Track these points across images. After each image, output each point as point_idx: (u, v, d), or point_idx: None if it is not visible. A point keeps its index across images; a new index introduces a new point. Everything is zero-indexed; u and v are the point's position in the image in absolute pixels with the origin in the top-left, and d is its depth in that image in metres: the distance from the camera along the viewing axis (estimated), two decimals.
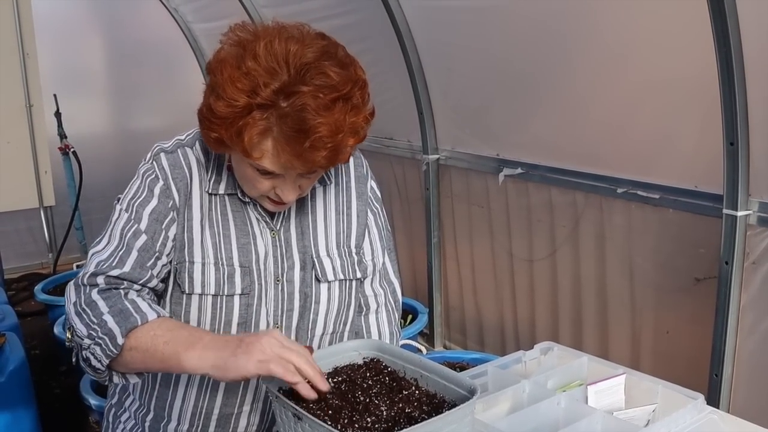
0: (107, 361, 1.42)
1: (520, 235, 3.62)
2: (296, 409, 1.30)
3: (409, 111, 4.09)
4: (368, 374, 1.50)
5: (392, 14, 3.80)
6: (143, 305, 1.47)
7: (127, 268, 1.51)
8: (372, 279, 1.82)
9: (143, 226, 1.55)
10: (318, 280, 1.66)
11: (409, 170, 4.40)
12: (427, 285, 4.37)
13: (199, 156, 1.61)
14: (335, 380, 1.48)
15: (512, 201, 3.62)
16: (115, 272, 1.50)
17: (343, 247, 1.72)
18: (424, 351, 3.46)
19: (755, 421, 1.62)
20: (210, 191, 1.60)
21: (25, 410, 2.68)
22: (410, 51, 3.87)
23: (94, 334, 1.42)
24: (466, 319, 4.20)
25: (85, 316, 1.46)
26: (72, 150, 5.51)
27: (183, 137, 1.65)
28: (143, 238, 1.54)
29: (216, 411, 1.65)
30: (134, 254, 1.53)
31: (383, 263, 1.84)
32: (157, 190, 1.57)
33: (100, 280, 1.50)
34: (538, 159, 3.39)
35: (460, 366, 3.42)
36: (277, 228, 1.65)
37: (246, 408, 1.66)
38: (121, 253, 1.53)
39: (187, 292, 1.58)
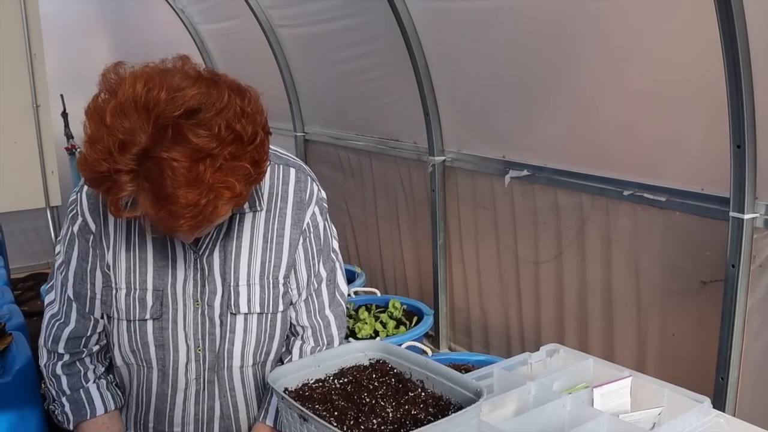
0: (62, 426, 1.70)
1: (526, 237, 3.61)
2: (302, 411, 1.30)
3: (415, 113, 4.08)
4: (374, 376, 1.50)
5: (399, 15, 3.80)
6: (96, 397, 1.69)
7: (72, 323, 1.66)
8: (298, 312, 1.74)
9: (71, 273, 1.64)
10: (232, 312, 1.63)
11: (415, 172, 4.40)
12: (432, 287, 4.36)
13: None
14: (341, 381, 1.49)
15: (518, 203, 3.62)
16: (66, 333, 1.66)
17: (268, 277, 1.65)
18: (429, 353, 3.46)
19: (761, 425, 1.62)
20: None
21: (31, 409, 2.68)
22: (417, 52, 3.87)
23: (57, 406, 1.69)
24: (472, 320, 4.19)
25: (52, 386, 1.70)
26: (79, 150, 5.52)
27: None
28: (74, 288, 1.64)
29: (150, 425, 1.74)
30: (73, 306, 1.66)
31: (320, 294, 1.75)
32: (76, 228, 1.63)
33: (61, 347, 1.68)
34: (544, 161, 3.39)
35: (465, 368, 3.41)
36: (200, 252, 1.61)
37: (177, 430, 1.72)
38: (65, 307, 1.66)
39: (111, 316, 1.63)
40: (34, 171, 5.48)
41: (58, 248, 1.68)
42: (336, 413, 1.36)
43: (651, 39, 2.68)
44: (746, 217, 2.47)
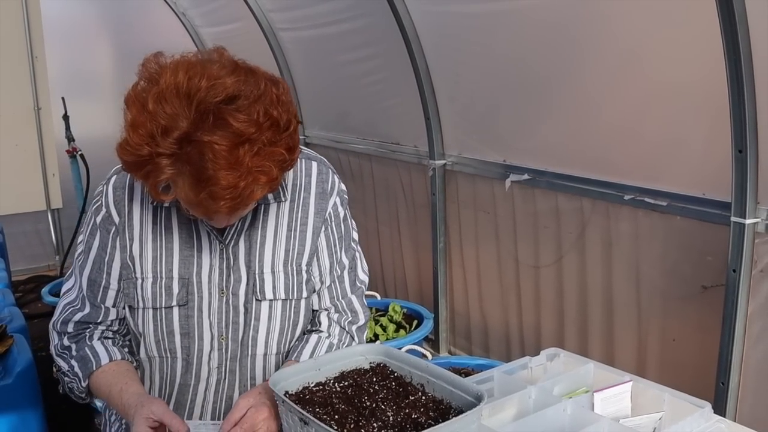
0: (82, 395, 1.73)
1: (527, 241, 3.61)
2: (303, 414, 1.30)
3: (416, 116, 4.09)
4: (375, 379, 1.50)
5: (400, 19, 3.80)
6: (100, 350, 1.70)
7: (86, 309, 1.70)
8: (322, 297, 1.79)
9: (89, 261, 1.69)
10: (257, 299, 1.67)
11: (416, 176, 4.40)
12: (432, 290, 4.36)
13: None
14: (342, 385, 1.49)
15: (519, 207, 3.62)
16: (77, 316, 1.71)
17: (292, 264, 1.70)
18: (430, 356, 3.46)
19: (762, 430, 1.62)
20: (156, 204, 1.64)
21: (32, 411, 2.69)
22: (418, 56, 3.87)
23: (69, 374, 1.71)
24: (472, 324, 4.19)
25: (63, 359, 1.73)
26: (80, 153, 5.53)
27: None
28: (90, 276, 1.69)
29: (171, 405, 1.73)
30: (89, 296, 1.70)
31: (342, 280, 1.80)
32: (99, 219, 1.68)
33: (70, 327, 1.72)
34: (545, 165, 3.39)
35: (465, 372, 3.41)
36: (226, 241, 1.66)
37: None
38: (80, 294, 1.71)
39: (135, 307, 1.66)
40: (35, 174, 5.50)
41: (80, 237, 1.74)
42: (336, 417, 1.36)
43: (652, 44, 2.68)
44: (748, 221, 2.47)
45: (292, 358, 1.73)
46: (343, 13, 4.31)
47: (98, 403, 3.17)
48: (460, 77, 3.80)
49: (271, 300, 1.68)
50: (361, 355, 1.58)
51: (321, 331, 1.79)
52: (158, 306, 1.65)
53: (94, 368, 1.67)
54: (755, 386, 2.56)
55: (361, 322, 1.85)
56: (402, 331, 3.95)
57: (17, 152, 5.39)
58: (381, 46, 4.22)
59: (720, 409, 2.58)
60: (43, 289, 4.67)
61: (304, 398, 1.43)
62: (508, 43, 3.36)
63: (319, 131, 5.25)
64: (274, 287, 1.68)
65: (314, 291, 1.77)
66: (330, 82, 4.85)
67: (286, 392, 1.44)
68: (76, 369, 1.69)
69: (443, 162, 4.07)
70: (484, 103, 3.71)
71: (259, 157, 1.39)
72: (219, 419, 1.70)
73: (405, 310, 4.18)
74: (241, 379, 1.71)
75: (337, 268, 1.79)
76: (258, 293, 1.67)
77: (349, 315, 1.82)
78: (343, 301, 1.81)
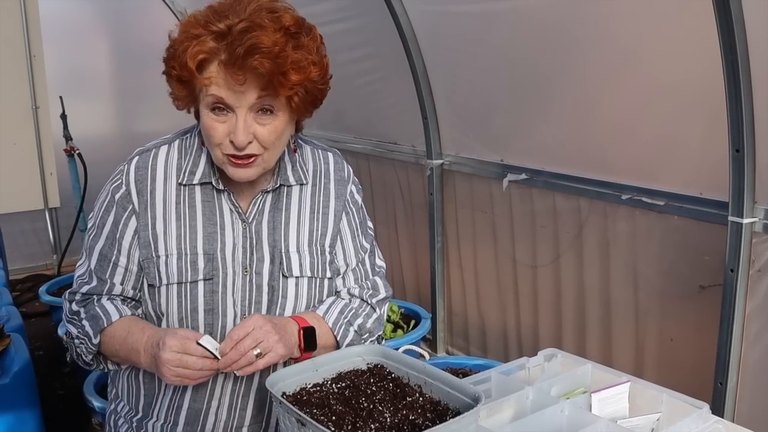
0: (90, 356, 1.71)
1: (524, 241, 3.61)
2: (300, 415, 1.30)
3: (414, 116, 4.09)
4: (372, 380, 1.50)
5: (397, 19, 3.80)
6: (110, 308, 1.70)
7: (93, 282, 1.72)
8: (346, 279, 1.85)
9: (102, 235, 1.71)
10: (284, 275, 1.71)
11: (413, 175, 4.40)
12: (430, 290, 4.36)
13: (173, 152, 1.72)
14: (339, 386, 1.49)
15: (516, 207, 3.62)
16: (84, 288, 1.73)
17: (316, 245, 1.76)
18: (427, 356, 3.46)
19: (760, 431, 1.61)
20: (185, 182, 1.69)
21: (29, 411, 2.68)
22: (415, 56, 3.87)
23: (80, 335, 1.70)
24: (469, 324, 4.19)
25: (72, 324, 1.74)
26: (77, 152, 5.52)
27: (169, 135, 1.77)
28: (101, 250, 1.71)
29: (186, 405, 1.70)
30: (96, 270, 1.72)
31: (364, 263, 1.87)
32: (118, 195, 1.70)
33: (78, 296, 1.74)
34: (543, 165, 3.39)
35: (463, 372, 3.41)
36: (249, 220, 1.71)
37: (214, 404, 1.70)
38: (89, 269, 1.73)
39: (156, 285, 1.67)
40: (33, 172, 5.49)
41: (91, 214, 1.77)
42: (334, 418, 1.36)
43: (650, 43, 2.68)
44: (745, 221, 2.47)
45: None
46: (340, 12, 4.31)
47: (97, 404, 3.17)
48: (457, 77, 3.80)
49: (297, 277, 1.72)
50: (358, 356, 1.58)
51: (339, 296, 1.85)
52: (183, 281, 1.66)
53: (105, 324, 1.67)
54: (753, 386, 2.57)
55: (382, 295, 1.89)
56: (400, 331, 3.95)
57: (15, 151, 5.37)
58: (378, 46, 4.21)
59: (718, 409, 2.58)
60: (40, 288, 4.66)
61: (302, 399, 1.43)
62: (505, 42, 3.36)
63: (316, 131, 5.24)
64: (300, 265, 1.73)
65: (338, 273, 1.82)
66: None
67: (284, 393, 1.44)
68: (87, 328, 1.68)
69: (440, 162, 4.07)
70: (481, 103, 3.71)
71: (297, 52, 1.51)
72: (239, 402, 1.70)
73: (402, 310, 4.18)
74: (261, 371, 1.67)
75: (360, 252, 1.86)
76: (285, 270, 1.70)
77: (370, 289, 1.87)
78: (368, 283, 1.87)
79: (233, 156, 1.58)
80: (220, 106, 1.54)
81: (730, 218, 2.51)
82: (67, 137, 5.59)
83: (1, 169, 5.28)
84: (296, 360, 1.64)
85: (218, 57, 1.49)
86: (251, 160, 1.59)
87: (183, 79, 1.55)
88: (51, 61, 5.54)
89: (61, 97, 5.57)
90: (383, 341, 1.93)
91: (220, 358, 1.49)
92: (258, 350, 1.50)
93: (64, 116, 5.59)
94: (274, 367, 1.66)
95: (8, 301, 3.60)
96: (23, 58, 5.27)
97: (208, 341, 1.50)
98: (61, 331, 3.89)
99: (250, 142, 1.56)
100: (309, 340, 1.64)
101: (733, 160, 2.45)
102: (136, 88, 6.43)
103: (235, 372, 1.52)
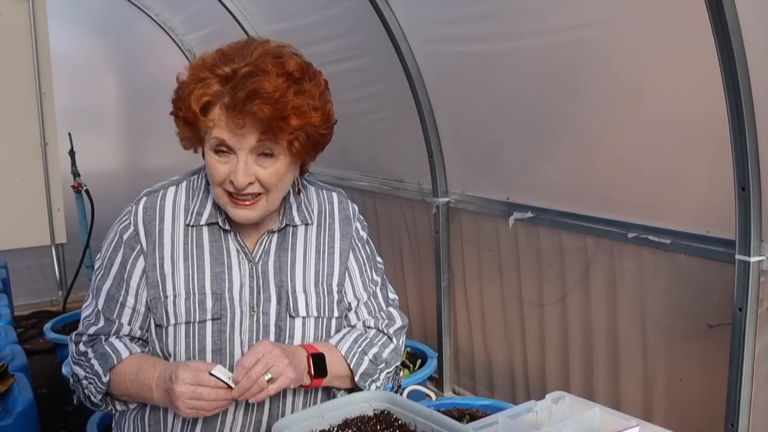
0: (99, 396, 1.68)
1: (530, 279, 3.60)
2: None
3: (420, 154, 4.10)
4: (379, 427, 1.49)
5: (403, 58, 3.83)
6: (119, 346, 1.69)
7: (101, 323, 1.72)
8: (359, 313, 1.85)
9: (110, 276, 1.72)
10: (291, 316, 1.71)
11: (419, 213, 4.40)
12: (436, 329, 4.34)
13: (181, 193, 1.74)
14: None
15: (522, 245, 3.61)
16: (91, 329, 1.73)
17: (322, 285, 1.77)
18: (433, 396, 3.43)
19: None
20: (192, 223, 1.70)
21: None
22: (421, 94, 3.90)
23: (88, 375, 1.68)
24: (476, 363, 4.16)
25: (80, 366, 1.72)
26: (85, 188, 5.55)
27: (177, 176, 1.79)
28: (109, 290, 1.71)
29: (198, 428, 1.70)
30: (104, 310, 1.72)
31: (377, 296, 1.88)
32: (126, 236, 1.72)
33: (85, 337, 1.74)
34: (548, 203, 3.39)
35: (469, 413, 3.37)
36: (256, 260, 1.72)
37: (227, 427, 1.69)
38: (96, 310, 1.73)
39: (163, 325, 1.68)
40: (41, 208, 5.50)
41: (98, 255, 1.78)
42: None
43: (653, 81, 2.70)
44: (752, 260, 2.46)
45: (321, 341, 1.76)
46: (347, 51, 4.35)
47: None
48: (462, 115, 3.82)
49: (304, 317, 1.72)
50: (364, 402, 1.57)
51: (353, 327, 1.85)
52: (192, 320, 1.66)
53: (115, 362, 1.66)
54: (765, 427, 2.53)
55: (398, 324, 1.91)
56: (406, 371, 3.91)
57: (23, 187, 5.40)
58: (384, 85, 4.24)
59: None
60: (45, 326, 4.65)
61: None
62: (509, 81, 3.38)
63: (322, 168, 5.26)
64: (306, 305, 1.73)
65: (347, 310, 1.83)
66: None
67: None
68: (96, 367, 1.67)
69: (447, 199, 4.08)
70: (486, 141, 3.72)
71: (298, 98, 1.53)
72: None
73: (408, 349, 4.14)
74: (272, 400, 1.69)
75: (371, 285, 1.87)
76: (291, 310, 1.71)
77: (386, 319, 1.88)
78: (381, 313, 1.88)
79: (234, 195, 1.60)
80: (223, 149, 1.57)
81: (738, 257, 2.50)
82: (75, 173, 5.63)
83: (9, 204, 5.30)
84: (307, 387, 1.65)
85: (221, 100, 1.53)
86: (252, 201, 1.61)
87: (189, 120, 1.58)
88: (60, 98, 5.59)
89: (69, 134, 5.62)
90: (401, 373, 1.92)
91: (233, 386, 1.49)
92: (269, 375, 1.51)
93: (72, 153, 5.64)
94: (284, 393, 1.67)
95: (13, 339, 3.59)
96: (33, 96, 5.32)
97: (220, 371, 1.51)
98: (65, 371, 3.87)
99: (251, 183, 1.58)
100: (318, 366, 1.65)
101: (739, 199, 2.45)
102: (144, 125, 6.49)
103: (248, 399, 1.52)
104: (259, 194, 1.61)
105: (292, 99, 1.52)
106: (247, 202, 1.61)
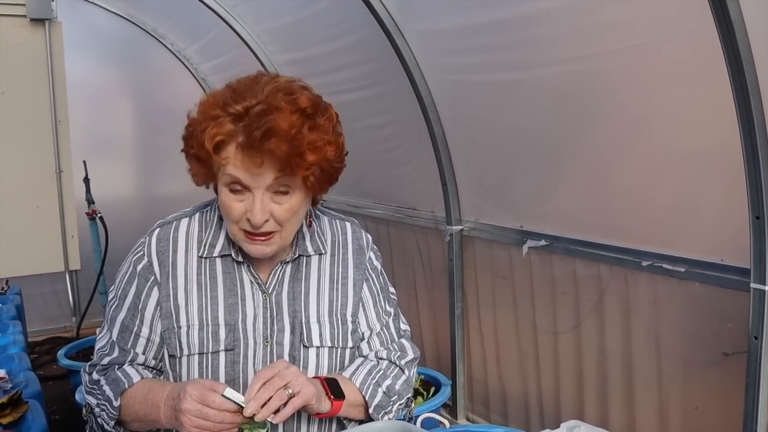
0: (112, 423, 1.67)
1: (544, 307, 3.59)
2: None
3: (433, 182, 4.12)
4: None
5: (417, 87, 3.87)
6: (131, 371, 1.69)
7: (115, 353, 1.73)
8: (372, 343, 1.84)
9: (124, 307, 1.72)
10: (305, 346, 1.70)
11: (433, 241, 4.41)
12: (450, 356, 4.32)
13: (194, 225, 1.75)
14: None
15: (536, 273, 3.61)
16: (105, 360, 1.73)
17: (336, 315, 1.76)
18: (447, 424, 3.40)
19: None
20: (205, 255, 1.70)
21: None
22: (434, 123, 3.92)
23: (101, 401, 1.68)
24: (490, 391, 4.14)
25: (92, 395, 1.72)
26: (99, 215, 5.59)
27: (189, 208, 1.80)
28: (123, 321, 1.72)
29: None
30: (118, 341, 1.73)
31: (389, 327, 1.87)
32: (139, 267, 1.72)
33: (99, 367, 1.74)
34: (562, 231, 3.39)
35: None
36: (269, 291, 1.71)
37: None
38: (111, 341, 1.74)
39: (177, 356, 1.67)
40: (55, 235, 5.54)
41: (112, 287, 1.79)
42: None
43: (665, 111, 2.71)
44: None
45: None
46: (362, 80, 4.39)
47: None
48: (475, 144, 3.84)
49: (318, 347, 1.71)
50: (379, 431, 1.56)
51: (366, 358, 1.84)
52: (205, 351, 1.66)
53: (126, 386, 1.66)
54: None
55: (410, 356, 1.89)
56: (420, 398, 3.90)
57: (38, 214, 5.44)
58: (397, 113, 4.28)
59: None
60: (59, 352, 4.67)
61: None
62: (521, 110, 3.40)
63: (336, 196, 5.29)
64: (320, 335, 1.72)
65: (361, 340, 1.82)
66: (347, 147, 4.89)
67: None
68: (108, 392, 1.67)
69: (460, 227, 4.08)
70: (500, 169, 3.74)
71: (312, 133, 1.53)
72: None
73: (422, 376, 4.14)
74: (286, 430, 1.70)
75: (384, 316, 1.86)
76: (305, 340, 1.70)
77: (398, 351, 1.87)
78: (393, 345, 1.88)
79: (250, 233, 1.60)
80: (238, 187, 1.56)
81: (753, 285, 2.48)
82: (90, 201, 5.68)
83: (24, 231, 5.35)
84: (324, 415, 1.64)
85: (236, 139, 1.52)
86: (267, 237, 1.61)
87: (201, 158, 1.58)
88: (75, 125, 5.64)
89: (84, 162, 5.68)
90: (413, 404, 1.92)
91: (245, 406, 1.47)
92: (290, 390, 1.50)
93: (87, 180, 5.69)
94: (298, 425, 1.68)
95: (27, 366, 3.59)
96: (49, 123, 5.38)
97: (232, 393, 1.48)
98: (78, 397, 3.88)
99: (266, 221, 1.58)
100: (335, 388, 1.64)
101: (753, 227, 2.44)
102: (158, 153, 6.54)
103: (269, 421, 1.49)
104: (274, 231, 1.61)
105: (307, 135, 1.52)
106: (263, 238, 1.61)
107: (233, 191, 1.58)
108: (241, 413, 1.47)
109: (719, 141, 2.53)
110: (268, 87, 1.54)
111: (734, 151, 2.41)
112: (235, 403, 1.47)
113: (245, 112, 1.51)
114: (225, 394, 1.48)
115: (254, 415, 1.46)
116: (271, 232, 1.61)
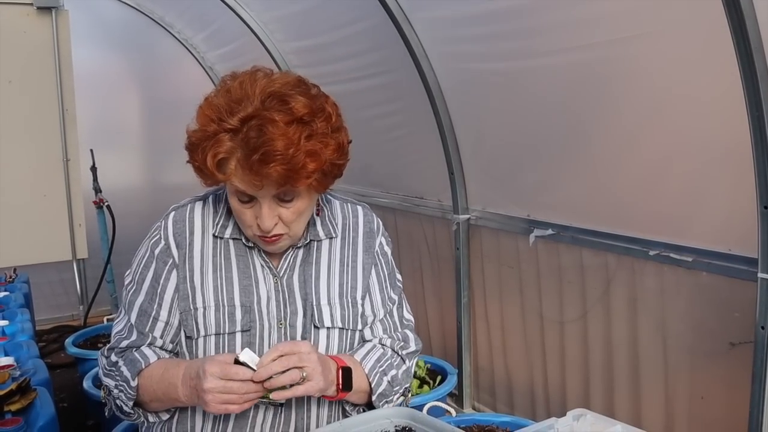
0: (131, 403, 1.69)
1: (551, 296, 3.59)
2: None
3: (440, 171, 4.11)
4: None
5: (424, 76, 3.85)
6: (148, 352, 1.72)
7: (133, 336, 1.75)
8: (374, 330, 1.86)
9: (143, 291, 1.74)
10: (316, 327, 1.73)
11: (440, 230, 4.40)
12: (456, 345, 4.33)
13: (208, 206, 1.78)
14: None
15: (543, 262, 3.60)
16: (123, 343, 1.75)
17: (346, 297, 1.79)
18: (453, 413, 3.41)
19: None
20: (217, 234, 1.73)
21: None
22: (442, 112, 3.91)
23: (118, 383, 1.71)
24: (496, 380, 4.15)
25: (110, 377, 1.74)
26: (106, 204, 5.60)
27: (202, 192, 1.83)
28: (141, 305, 1.74)
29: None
30: (137, 324, 1.75)
31: (392, 315, 1.90)
32: (157, 251, 1.74)
33: (117, 350, 1.77)
34: (569, 220, 3.38)
35: (489, 429, 3.36)
36: (281, 274, 1.74)
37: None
38: (129, 325, 1.76)
39: (194, 337, 1.70)
40: (62, 224, 5.55)
41: (128, 272, 1.81)
42: None
43: (674, 100, 2.69)
44: None
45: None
46: (369, 69, 4.38)
47: None
48: (483, 133, 3.83)
49: (329, 328, 1.74)
50: (386, 419, 1.57)
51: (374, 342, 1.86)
52: (222, 332, 1.69)
53: (143, 366, 1.68)
54: None
55: (412, 348, 1.91)
56: (426, 387, 3.91)
57: (45, 203, 5.46)
58: (405, 102, 4.27)
59: None
60: (66, 340, 4.68)
61: None
62: (529, 99, 3.39)
63: (343, 185, 5.26)
64: (331, 316, 1.75)
65: (366, 324, 1.84)
66: (354, 136, 4.84)
67: None
68: (125, 373, 1.69)
69: (467, 216, 4.08)
70: (507, 158, 3.73)
71: (310, 141, 1.54)
72: None
73: (429, 365, 4.14)
74: (297, 412, 1.72)
75: (388, 303, 1.88)
76: (317, 321, 1.73)
77: (401, 341, 1.89)
78: (397, 333, 1.89)
79: (261, 235, 1.64)
80: (245, 198, 1.60)
81: (760, 275, 2.48)
82: (97, 189, 5.70)
83: (31, 220, 5.37)
84: (330, 399, 1.68)
85: (235, 155, 1.54)
86: (279, 237, 1.65)
87: (206, 173, 1.60)
88: (82, 114, 5.65)
89: (91, 150, 5.69)
90: (410, 393, 1.93)
91: (255, 369, 1.49)
92: (304, 373, 1.52)
93: (94, 169, 5.71)
94: (308, 406, 1.71)
95: (35, 354, 3.60)
96: (56, 112, 5.39)
97: (247, 354, 1.50)
98: (86, 383, 3.89)
99: (276, 224, 1.62)
100: (347, 381, 1.66)
101: (761, 217, 2.43)
102: (165, 141, 6.54)
103: (269, 398, 1.51)
104: (284, 232, 1.65)
105: (305, 145, 1.53)
106: (275, 239, 1.65)
107: (241, 201, 1.61)
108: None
109: (728, 130, 2.52)
110: (264, 90, 1.55)
111: (743, 140, 2.40)
112: (249, 367, 1.49)
113: (241, 126, 1.52)
114: (241, 357, 1.49)
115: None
116: (281, 234, 1.64)
